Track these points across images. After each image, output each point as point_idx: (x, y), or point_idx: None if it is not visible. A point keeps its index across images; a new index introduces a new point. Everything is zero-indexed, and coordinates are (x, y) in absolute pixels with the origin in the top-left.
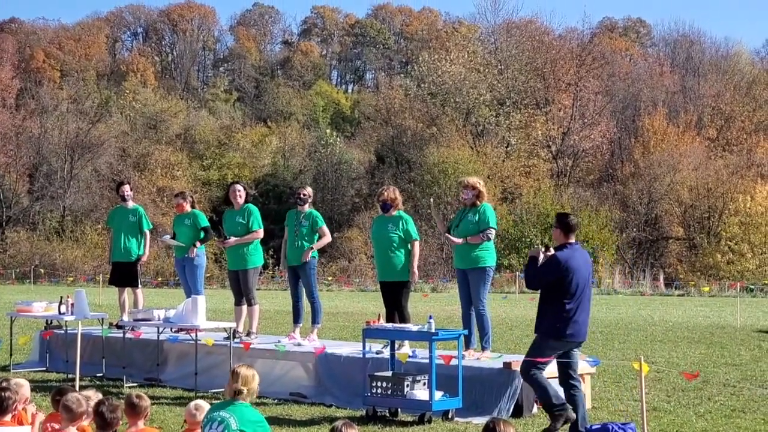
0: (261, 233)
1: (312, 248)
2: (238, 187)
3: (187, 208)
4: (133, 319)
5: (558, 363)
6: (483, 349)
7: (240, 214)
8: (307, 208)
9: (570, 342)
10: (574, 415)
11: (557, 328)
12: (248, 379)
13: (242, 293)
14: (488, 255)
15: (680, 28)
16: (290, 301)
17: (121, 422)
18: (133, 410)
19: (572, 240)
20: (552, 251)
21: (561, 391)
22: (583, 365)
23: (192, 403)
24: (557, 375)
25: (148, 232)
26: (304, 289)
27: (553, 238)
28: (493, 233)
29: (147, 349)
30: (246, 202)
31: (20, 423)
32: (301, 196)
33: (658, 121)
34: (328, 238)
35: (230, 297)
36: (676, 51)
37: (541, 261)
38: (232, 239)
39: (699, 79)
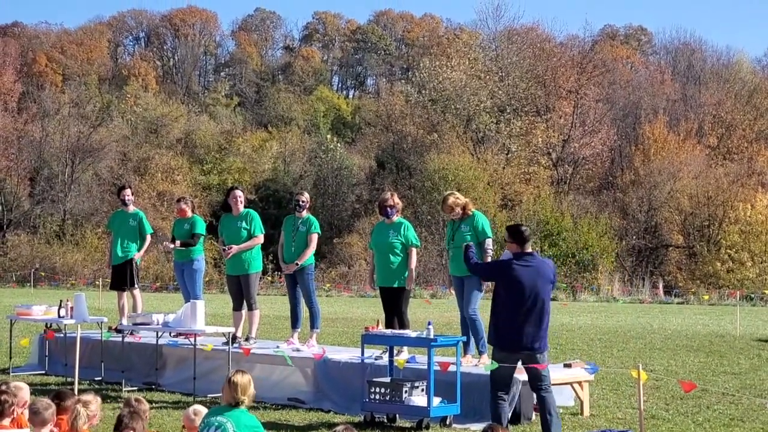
0: (262, 238)
1: (297, 264)
2: (238, 192)
3: (188, 213)
4: (132, 323)
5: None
6: (480, 354)
7: (241, 219)
8: (305, 213)
9: (513, 353)
10: None
11: (496, 337)
12: (246, 387)
13: (242, 298)
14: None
15: (681, 36)
16: (289, 306)
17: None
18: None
19: (528, 249)
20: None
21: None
22: (580, 372)
23: (191, 408)
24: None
25: (149, 236)
26: (302, 295)
27: (509, 251)
28: (491, 243)
29: (146, 353)
30: (244, 207)
31: (19, 426)
32: (300, 202)
33: (659, 129)
34: (311, 249)
35: (230, 302)
36: (677, 59)
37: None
38: (234, 248)
39: (700, 87)
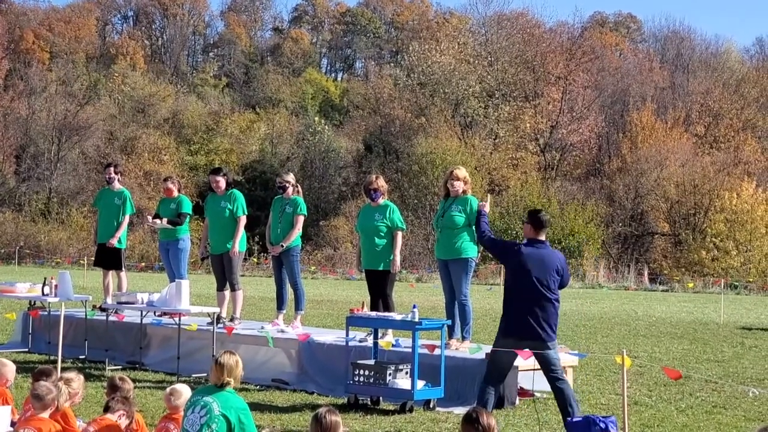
0: (244, 219)
1: (282, 245)
2: (217, 177)
3: (175, 192)
4: (116, 302)
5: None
6: (463, 339)
7: (224, 200)
8: (292, 195)
9: (517, 340)
10: None
11: (503, 324)
12: (232, 369)
13: (225, 278)
14: (470, 246)
15: (671, 24)
16: (274, 287)
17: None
18: (115, 392)
19: (542, 237)
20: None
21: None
22: (565, 357)
23: (169, 388)
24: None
25: (127, 216)
26: (287, 276)
27: (524, 234)
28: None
29: (130, 332)
30: (228, 187)
31: (4, 402)
32: (278, 183)
33: (647, 117)
34: (297, 230)
35: (215, 282)
36: (666, 47)
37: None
38: (164, 220)
39: (688, 75)
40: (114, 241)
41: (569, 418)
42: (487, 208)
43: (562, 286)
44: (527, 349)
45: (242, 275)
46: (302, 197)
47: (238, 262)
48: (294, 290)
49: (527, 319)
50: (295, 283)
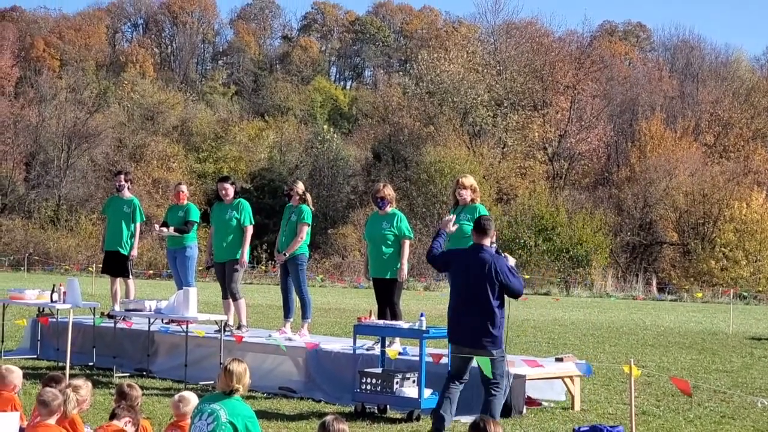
0: (251, 229)
1: (285, 254)
2: (226, 185)
3: (185, 199)
4: (124, 309)
5: None
6: None
7: (232, 208)
8: (298, 203)
9: (453, 343)
10: None
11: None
12: (241, 376)
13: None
14: None
15: (680, 33)
16: (281, 296)
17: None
18: (124, 399)
19: (485, 243)
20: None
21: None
22: (572, 367)
23: (177, 395)
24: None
25: (139, 225)
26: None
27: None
28: (494, 236)
29: (138, 339)
30: (236, 196)
31: (13, 409)
32: (284, 191)
33: (656, 126)
34: (300, 239)
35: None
36: (675, 56)
37: (448, 230)
38: (171, 229)
39: (698, 84)
40: (135, 252)
41: (576, 428)
42: (451, 228)
43: (511, 292)
44: (469, 355)
45: (250, 283)
46: (310, 206)
47: (241, 273)
48: (300, 299)
49: (462, 325)
50: (300, 291)
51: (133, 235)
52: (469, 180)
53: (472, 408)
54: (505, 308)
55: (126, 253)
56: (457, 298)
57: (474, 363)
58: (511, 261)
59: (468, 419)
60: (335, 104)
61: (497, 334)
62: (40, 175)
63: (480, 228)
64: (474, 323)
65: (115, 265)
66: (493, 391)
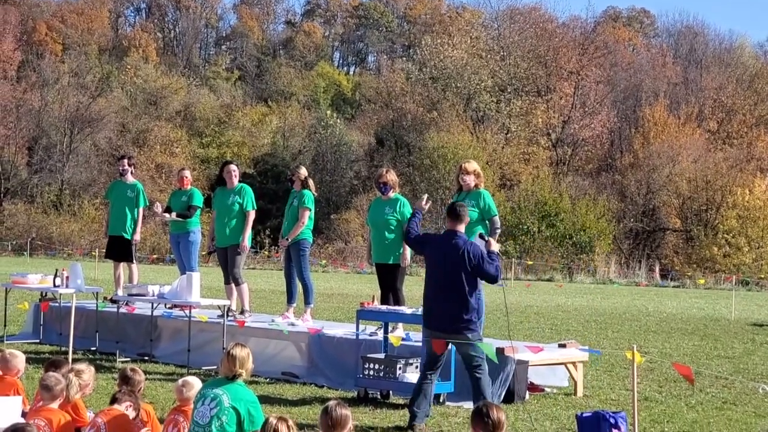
0: (254, 214)
1: (287, 239)
2: (233, 167)
3: (189, 184)
4: (127, 294)
5: None
6: None
7: (234, 193)
8: (301, 188)
9: (429, 329)
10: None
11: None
12: (244, 361)
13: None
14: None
15: (684, 19)
16: (285, 281)
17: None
18: (127, 384)
19: (458, 228)
20: (426, 203)
21: (423, 405)
22: (575, 353)
23: (180, 380)
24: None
25: (143, 210)
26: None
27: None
28: (499, 223)
29: (140, 324)
30: (239, 181)
31: (16, 393)
32: (288, 177)
33: (659, 112)
34: (302, 224)
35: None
36: (679, 42)
37: (422, 209)
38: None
39: (701, 71)
40: (138, 236)
41: (579, 414)
42: (424, 206)
43: (486, 277)
44: (444, 339)
45: (253, 268)
46: (313, 191)
47: (243, 257)
48: (302, 284)
49: (437, 310)
50: (302, 276)
51: (136, 220)
52: (472, 165)
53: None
54: (482, 292)
55: (129, 238)
56: (434, 284)
57: (451, 348)
58: (495, 247)
59: (471, 405)
60: (338, 90)
61: (474, 319)
62: (43, 159)
63: (454, 214)
64: (451, 309)
65: (119, 250)
66: (477, 374)
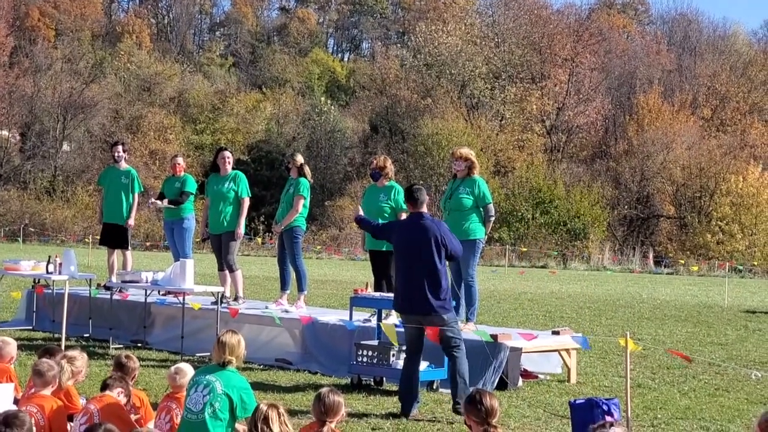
0: (248, 201)
1: (281, 225)
2: (227, 153)
3: (182, 170)
4: (121, 281)
5: None
6: (467, 320)
7: (228, 180)
8: (297, 174)
9: (406, 315)
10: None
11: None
12: (234, 348)
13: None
14: (478, 227)
15: (678, 6)
16: (278, 267)
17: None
18: (122, 370)
19: (422, 210)
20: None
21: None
22: (568, 340)
23: (173, 367)
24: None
25: (137, 195)
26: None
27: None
28: (493, 210)
29: (134, 311)
30: (233, 168)
31: (8, 380)
32: (284, 165)
33: (653, 100)
34: (296, 211)
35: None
36: (673, 30)
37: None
38: (165, 201)
39: (695, 58)
40: (131, 221)
41: (572, 400)
42: (360, 212)
43: (450, 257)
44: (420, 324)
45: (247, 255)
46: (308, 178)
47: (237, 244)
48: (295, 271)
49: (410, 292)
50: (295, 263)
51: (131, 206)
52: (464, 151)
53: (471, 380)
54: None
55: (123, 224)
56: (407, 268)
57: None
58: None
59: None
60: (333, 76)
61: (447, 298)
62: (36, 145)
63: (411, 197)
64: (424, 291)
65: (115, 237)
66: (455, 353)
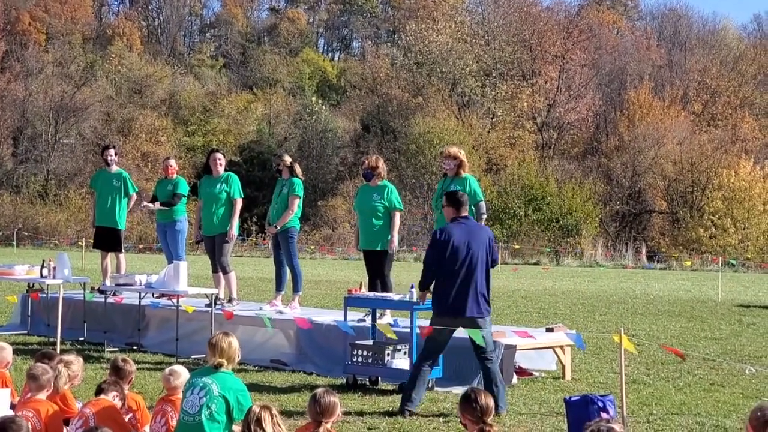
0: (241, 202)
1: (276, 227)
2: (218, 155)
3: (175, 173)
4: (114, 284)
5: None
6: None
7: (221, 182)
8: (289, 175)
9: (453, 318)
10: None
11: (435, 302)
12: (225, 350)
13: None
14: None
15: (668, 2)
16: (273, 268)
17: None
18: (118, 374)
19: (464, 214)
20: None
21: (417, 397)
22: (562, 336)
23: (167, 369)
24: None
25: (134, 195)
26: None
27: (446, 217)
28: (485, 207)
29: (128, 314)
30: (225, 169)
31: (3, 385)
32: (274, 168)
33: (644, 95)
34: (291, 211)
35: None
36: (663, 25)
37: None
38: (156, 204)
39: (686, 53)
40: (152, 204)
41: (567, 397)
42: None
43: (495, 260)
44: (461, 327)
45: (240, 256)
46: (300, 176)
47: (230, 246)
48: (291, 271)
49: (464, 296)
50: (291, 264)
51: (124, 209)
52: (453, 149)
53: (466, 378)
54: None
55: (120, 228)
56: (452, 269)
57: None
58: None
59: (459, 390)
60: (323, 76)
61: (488, 299)
62: (28, 149)
63: (457, 202)
64: (476, 292)
65: (109, 240)
66: (490, 357)
